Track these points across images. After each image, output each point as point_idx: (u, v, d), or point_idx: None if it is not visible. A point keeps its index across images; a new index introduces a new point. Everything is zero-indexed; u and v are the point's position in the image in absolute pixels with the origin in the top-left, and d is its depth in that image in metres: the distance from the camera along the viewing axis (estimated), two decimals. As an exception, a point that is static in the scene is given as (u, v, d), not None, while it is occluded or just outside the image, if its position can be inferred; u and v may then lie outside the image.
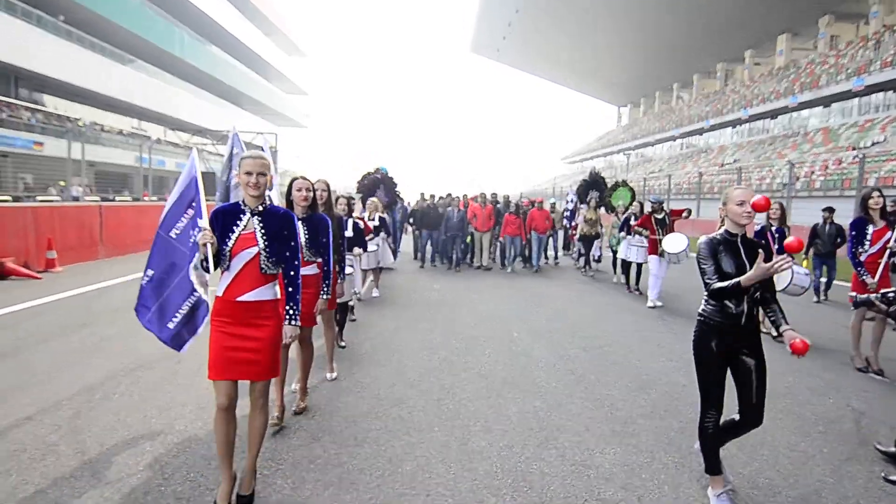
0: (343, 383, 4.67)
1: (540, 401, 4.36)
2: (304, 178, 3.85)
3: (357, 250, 5.93)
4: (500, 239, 12.72)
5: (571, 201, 14.54)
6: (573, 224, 13.90)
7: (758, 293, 2.84)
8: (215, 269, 2.71)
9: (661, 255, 8.18)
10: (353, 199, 7.26)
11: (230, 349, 2.71)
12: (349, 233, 5.75)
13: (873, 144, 26.21)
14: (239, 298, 2.74)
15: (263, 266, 2.76)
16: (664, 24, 45.90)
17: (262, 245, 2.76)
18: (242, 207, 2.81)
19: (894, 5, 34.49)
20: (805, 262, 8.59)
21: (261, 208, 2.82)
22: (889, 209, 5.45)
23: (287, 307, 2.95)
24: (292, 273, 2.94)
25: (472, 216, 12.20)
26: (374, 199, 8.69)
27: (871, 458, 3.48)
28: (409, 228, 13.88)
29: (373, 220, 8.21)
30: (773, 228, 6.34)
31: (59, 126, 21.14)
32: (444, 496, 2.94)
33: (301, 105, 65.25)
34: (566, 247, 15.12)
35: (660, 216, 8.68)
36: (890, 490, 3.11)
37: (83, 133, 16.74)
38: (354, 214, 6.66)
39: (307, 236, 3.80)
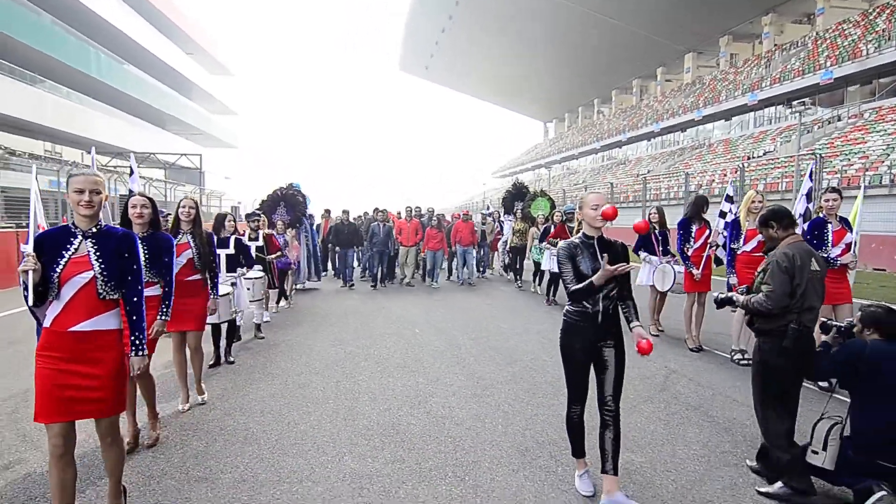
0: (255, 374, 5.46)
1: (423, 378, 5.32)
2: (141, 195, 3.73)
3: (241, 270, 5.96)
4: (423, 254, 12.57)
5: (487, 213, 15.51)
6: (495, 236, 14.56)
7: (614, 292, 3.02)
8: (41, 301, 2.49)
9: None
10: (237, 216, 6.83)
11: (63, 387, 2.48)
12: (230, 250, 5.83)
13: (764, 154, 29.15)
14: (73, 328, 2.51)
15: (101, 291, 2.56)
16: (583, 43, 48.84)
17: (97, 269, 2.55)
18: (73, 230, 2.59)
19: (783, 27, 38.55)
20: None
21: (94, 230, 2.62)
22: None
23: (132, 337, 2.74)
24: (135, 299, 2.71)
25: (398, 231, 12.12)
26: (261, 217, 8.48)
27: (663, 400, 4.63)
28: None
29: (255, 239, 7.95)
30: (657, 231, 7.14)
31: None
32: (327, 443, 3.82)
33: (230, 125, 64.39)
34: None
35: (573, 225, 8.65)
36: (667, 419, 4.25)
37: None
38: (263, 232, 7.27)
39: (147, 256, 3.57)
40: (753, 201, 5.65)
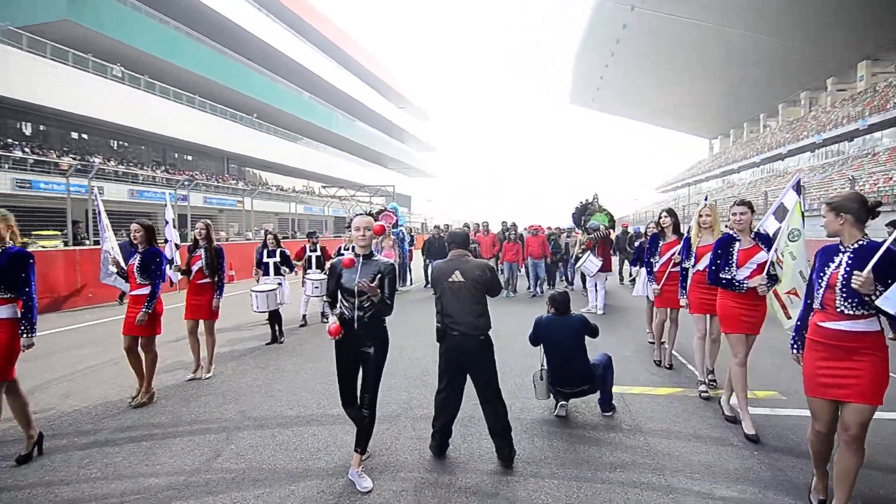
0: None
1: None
2: (139, 224, 4.27)
3: (284, 269, 6.74)
4: (501, 265, 11.52)
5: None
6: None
7: (369, 303, 2.97)
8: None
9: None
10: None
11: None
12: (277, 259, 6.67)
13: (934, 162, 23.36)
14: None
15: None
16: (747, 60, 43.40)
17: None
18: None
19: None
20: None
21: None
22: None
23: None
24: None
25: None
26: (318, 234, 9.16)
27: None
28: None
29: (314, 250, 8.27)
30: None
31: (252, 188, 26.65)
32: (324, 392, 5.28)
33: (430, 159, 70.60)
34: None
35: (593, 237, 9.13)
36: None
37: (265, 192, 21.42)
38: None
39: (139, 264, 4.23)
40: (701, 215, 4.56)
